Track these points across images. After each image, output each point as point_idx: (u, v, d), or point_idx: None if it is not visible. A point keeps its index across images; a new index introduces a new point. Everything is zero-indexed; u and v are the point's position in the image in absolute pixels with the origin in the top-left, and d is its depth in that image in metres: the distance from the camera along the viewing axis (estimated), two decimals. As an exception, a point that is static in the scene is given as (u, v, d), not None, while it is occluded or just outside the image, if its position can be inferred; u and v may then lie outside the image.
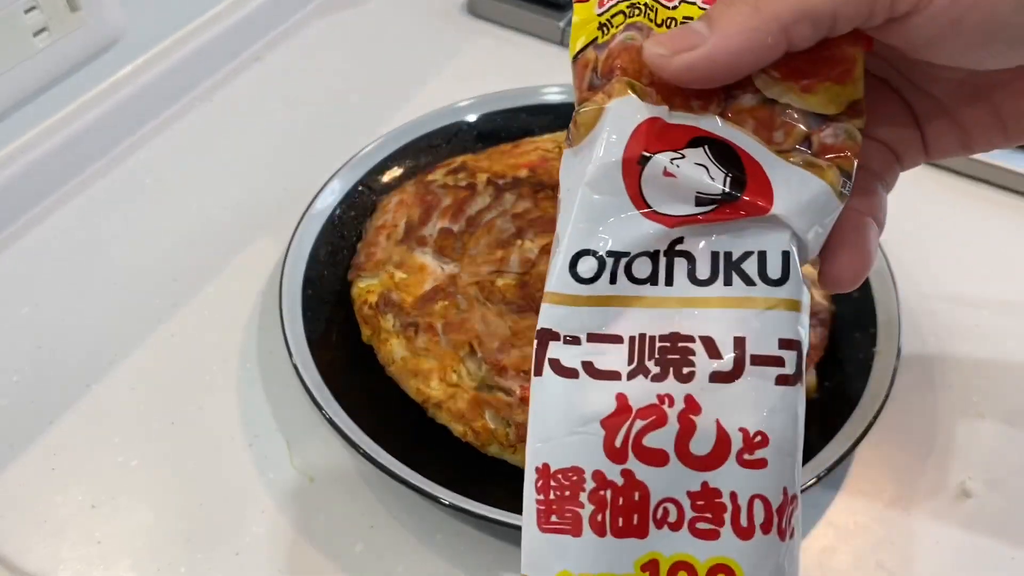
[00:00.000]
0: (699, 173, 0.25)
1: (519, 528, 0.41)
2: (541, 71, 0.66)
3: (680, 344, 0.25)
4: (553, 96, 0.60)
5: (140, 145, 0.63)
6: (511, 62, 0.70)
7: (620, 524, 0.24)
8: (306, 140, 0.64)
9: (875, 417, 0.44)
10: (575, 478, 0.25)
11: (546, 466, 0.25)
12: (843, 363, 0.48)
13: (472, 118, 0.60)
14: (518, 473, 0.45)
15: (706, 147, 0.26)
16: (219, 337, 0.52)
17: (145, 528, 0.44)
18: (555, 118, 0.59)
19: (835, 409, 0.45)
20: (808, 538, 0.44)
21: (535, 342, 0.26)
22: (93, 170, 0.61)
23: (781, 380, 0.24)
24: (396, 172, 0.57)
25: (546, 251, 0.50)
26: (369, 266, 0.51)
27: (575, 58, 0.28)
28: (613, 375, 0.25)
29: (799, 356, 0.25)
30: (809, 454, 0.43)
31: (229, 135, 0.64)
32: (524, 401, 0.44)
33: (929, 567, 0.43)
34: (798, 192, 0.25)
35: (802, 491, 0.41)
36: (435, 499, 0.41)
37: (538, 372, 0.25)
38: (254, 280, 0.55)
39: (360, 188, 0.56)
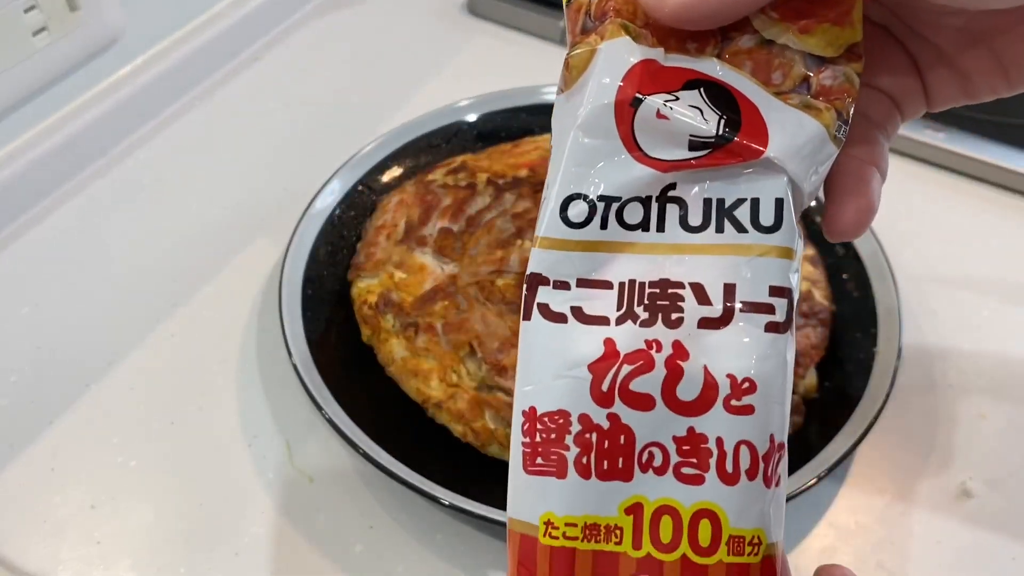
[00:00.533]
0: (693, 115, 0.25)
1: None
2: (541, 71, 0.66)
3: (670, 290, 0.25)
4: (553, 95, 0.60)
5: (140, 145, 0.63)
6: (511, 62, 0.70)
7: (605, 467, 0.24)
8: (306, 140, 0.64)
9: (875, 417, 0.44)
10: (561, 421, 0.25)
11: (532, 409, 0.25)
12: (843, 363, 0.48)
13: (472, 118, 0.60)
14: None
15: (701, 89, 0.25)
16: (219, 337, 0.52)
17: (145, 528, 0.44)
18: (555, 118, 0.59)
19: (835, 409, 0.45)
20: (808, 538, 0.44)
21: (524, 286, 0.26)
22: (92, 170, 0.61)
23: (771, 327, 0.24)
24: (396, 172, 0.57)
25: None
26: (369, 266, 0.51)
27: (568, 2, 0.28)
28: (602, 320, 0.25)
29: (790, 304, 0.25)
30: (809, 454, 0.43)
31: (229, 135, 0.64)
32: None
33: (929, 567, 0.43)
34: (793, 134, 0.25)
35: (802, 491, 0.41)
36: (435, 499, 0.41)
37: (526, 317, 0.25)
38: (254, 280, 0.55)
39: (360, 188, 0.55)
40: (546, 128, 0.58)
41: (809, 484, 0.41)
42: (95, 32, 0.59)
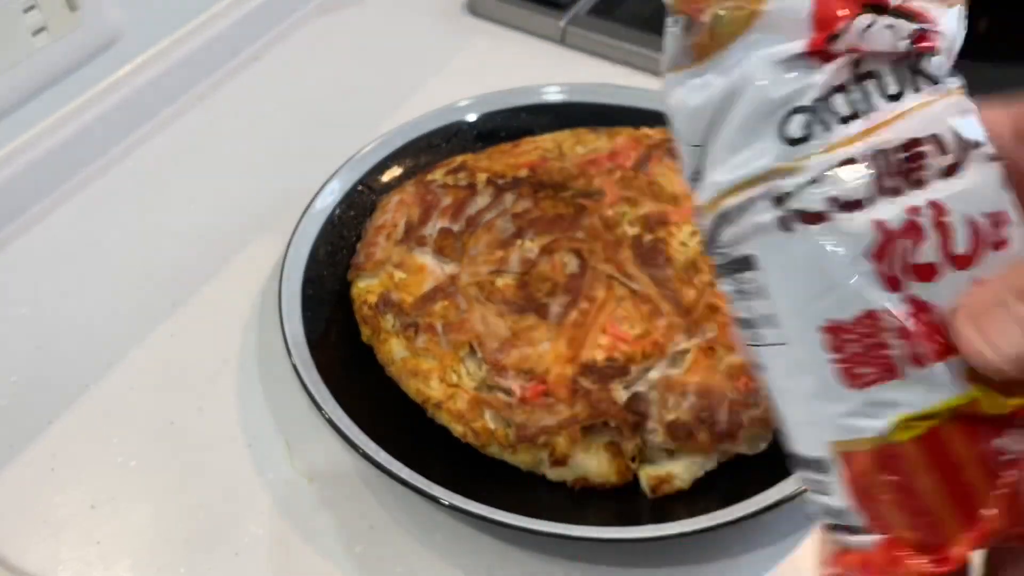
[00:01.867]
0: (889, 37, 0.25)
1: (519, 528, 0.41)
2: (541, 71, 0.66)
3: (911, 151, 0.25)
4: (553, 96, 0.60)
5: (139, 145, 0.63)
6: (511, 62, 0.70)
7: (936, 350, 0.24)
8: (306, 140, 0.64)
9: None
10: (868, 322, 0.24)
11: (830, 323, 0.24)
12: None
13: (472, 118, 0.60)
14: (518, 473, 0.45)
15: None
16: (219, 337, 0.52)
17: (145, 528, 0.44)
18: (555, 118, 0.59)
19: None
20: (808, 540, 0.44)
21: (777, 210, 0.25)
22: (92, 170, 0.61)
23: (993, 158, 0.25)
24: (396, 172, 0.57)
25: (546, 251, 0.50)
26: (369, 266, 0.51)
27: None
28: (857, 206, 0.24)
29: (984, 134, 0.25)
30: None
31: (228, 135, 0.64)
32: (523, 402, 0.44)
33: (929, 567, 0.43)
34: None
35: (802, 492, 0.41)
36: (435, 499, 0.41)
37: (786, 228, 0.24)
38: (254, 280, 0.55)
39: (360, 188, 0.55)
40: (546, 128, 0.59)
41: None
42: (95, 32, 0.59)
